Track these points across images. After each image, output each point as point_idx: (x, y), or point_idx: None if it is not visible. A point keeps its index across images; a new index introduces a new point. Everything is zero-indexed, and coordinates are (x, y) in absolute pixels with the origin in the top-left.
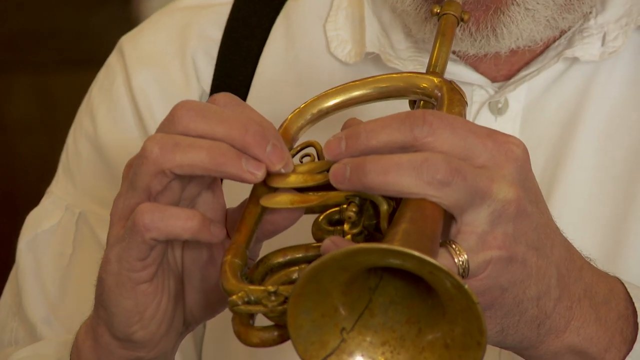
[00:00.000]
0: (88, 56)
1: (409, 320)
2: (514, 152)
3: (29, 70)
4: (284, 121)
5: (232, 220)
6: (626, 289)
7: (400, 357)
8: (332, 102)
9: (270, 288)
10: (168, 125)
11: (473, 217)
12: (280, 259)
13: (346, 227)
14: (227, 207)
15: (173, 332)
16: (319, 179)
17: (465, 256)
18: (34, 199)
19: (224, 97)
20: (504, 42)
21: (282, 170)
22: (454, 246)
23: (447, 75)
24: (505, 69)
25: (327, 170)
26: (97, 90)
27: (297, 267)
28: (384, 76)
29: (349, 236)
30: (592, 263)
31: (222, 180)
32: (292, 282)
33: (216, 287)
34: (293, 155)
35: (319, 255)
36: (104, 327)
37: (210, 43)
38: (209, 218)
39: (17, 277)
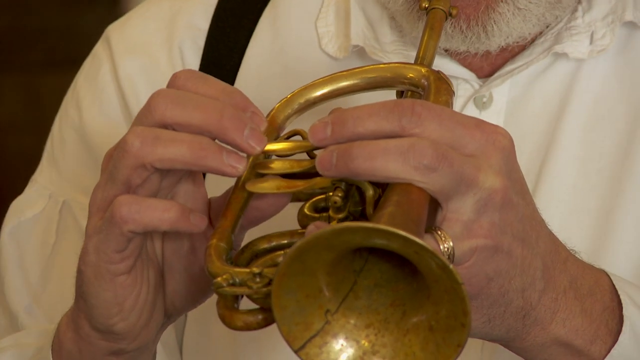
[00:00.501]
0: (76, 56)
1: (393, 303)
2: (501, 142)
3: (17, 70)
4: (271, 110)
5: (216, 208)
6: (611, 281)
7: (385, 339)
8: (319, 92)
9: (255, 270)
10: (145, 114)
11: (459, 205)
12: (266, 245)
13: (331, 212)
14: (213, 195)
15: (154, 324)
16: (305, 165)
17: (451, 243)
18: None
19: (185, 73)
20: (494, 39)
21: (258, 149)
22: (439, 232)
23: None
24: (490, 63)
25: (309, 153)
26: (83, 79)
27: (282, 252)
28: (371, 67)
29: (334, 222)
30: (577, 255)
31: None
32: (277, 265)
33: (198, 277)
34: None
35: None
36: (84, 319)
37: (197, 33)
38: (189, 208)
39: None
